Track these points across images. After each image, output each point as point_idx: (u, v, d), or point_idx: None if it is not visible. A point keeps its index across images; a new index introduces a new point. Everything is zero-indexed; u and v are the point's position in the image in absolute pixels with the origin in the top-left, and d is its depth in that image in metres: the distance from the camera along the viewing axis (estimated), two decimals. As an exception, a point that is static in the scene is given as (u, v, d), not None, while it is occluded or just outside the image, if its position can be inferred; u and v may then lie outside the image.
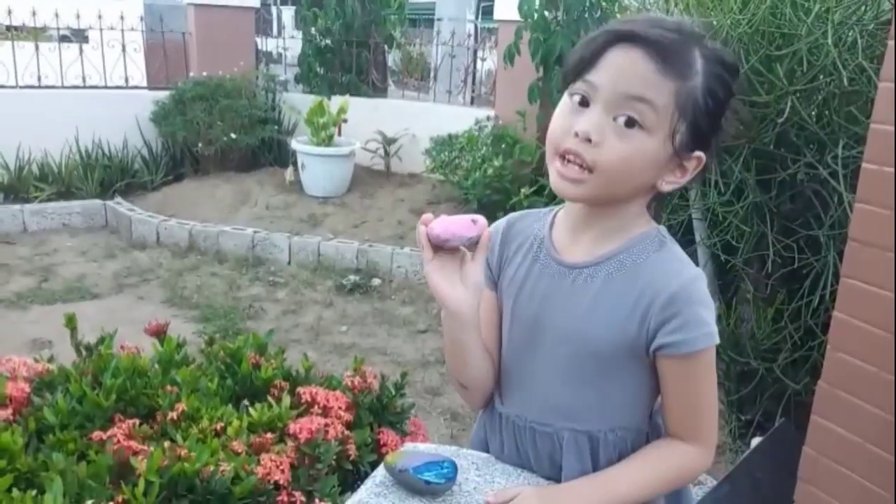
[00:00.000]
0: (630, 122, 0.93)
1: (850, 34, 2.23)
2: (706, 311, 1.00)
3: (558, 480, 1.09)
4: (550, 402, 1.08)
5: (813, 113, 2.32)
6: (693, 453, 1.05)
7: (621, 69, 0.93)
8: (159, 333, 1.71)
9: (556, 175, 0.98)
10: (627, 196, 1.02)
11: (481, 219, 1.01)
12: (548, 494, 1.04)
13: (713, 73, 0.95)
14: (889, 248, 1.73)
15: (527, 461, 1.13)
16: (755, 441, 2.41)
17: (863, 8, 2.27)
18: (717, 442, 3.03)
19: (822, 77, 2.23)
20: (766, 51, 2.26)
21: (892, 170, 1.71)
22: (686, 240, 2.70)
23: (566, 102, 0.99)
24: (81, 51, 6.21)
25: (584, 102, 0.96)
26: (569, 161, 0.96)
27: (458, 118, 5.90)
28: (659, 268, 1.01)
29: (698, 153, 0.99)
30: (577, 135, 0.94)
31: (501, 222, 1.17)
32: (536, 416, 1.09)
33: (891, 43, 1.71)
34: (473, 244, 1.01)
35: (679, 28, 0.96)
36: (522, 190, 4.92)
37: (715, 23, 2.37)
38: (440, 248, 1.01)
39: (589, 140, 0.94)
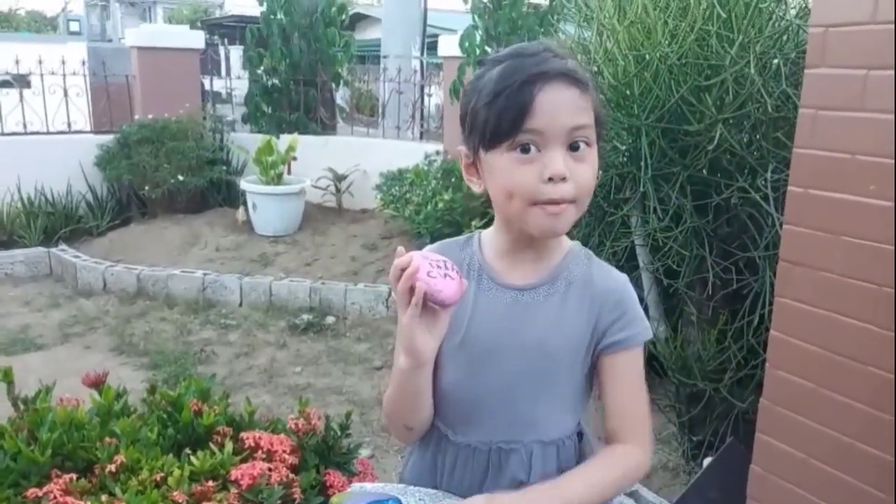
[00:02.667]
0: (577, 145, 1.00)
1: (773, 63, 2.33)
2: (640, 307, 1.11)
3: None
4: (517, 419, 1.09)
5: (743, 139, 2.40)
6: (636, 454, 1.09)
7: (557, 107, 0.98)
8: (97, 384, 1.66)
9: (545, 215, 1.00)
10: None
11: (456, 270, 1.00)
12: (497, 499, 1.01)
13: (589, 75, 1.05)
14: (818, 268, 1.79)
15: (487, 489, 1.09)
16: (707, 461, 2.45)
17: (784, 37, 2.38)
18: (672, 464, 3.04)
19: (749, 105, 2.32)
20: (695, 81, 2.34)
21: (818, 192, 1.78)
22: (630, 265, 2.75)
23: (510, 156, 0.99)
24: (22, 97, 6.10)
25: (527, 149, 0.99)
26: (552, 202, 0.99)
27: (408, 153, 5.93)
28: (601, 276, 1.10)
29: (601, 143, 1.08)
30: (551, 179, 0.98)
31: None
32: (503, 436, 1.09)
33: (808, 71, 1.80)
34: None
35: (559, 52, 1.03)
36: (473, 222, 4.95)
37: (647, 56, 2.45)
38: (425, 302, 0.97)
39: (564, 179, 0.98)
